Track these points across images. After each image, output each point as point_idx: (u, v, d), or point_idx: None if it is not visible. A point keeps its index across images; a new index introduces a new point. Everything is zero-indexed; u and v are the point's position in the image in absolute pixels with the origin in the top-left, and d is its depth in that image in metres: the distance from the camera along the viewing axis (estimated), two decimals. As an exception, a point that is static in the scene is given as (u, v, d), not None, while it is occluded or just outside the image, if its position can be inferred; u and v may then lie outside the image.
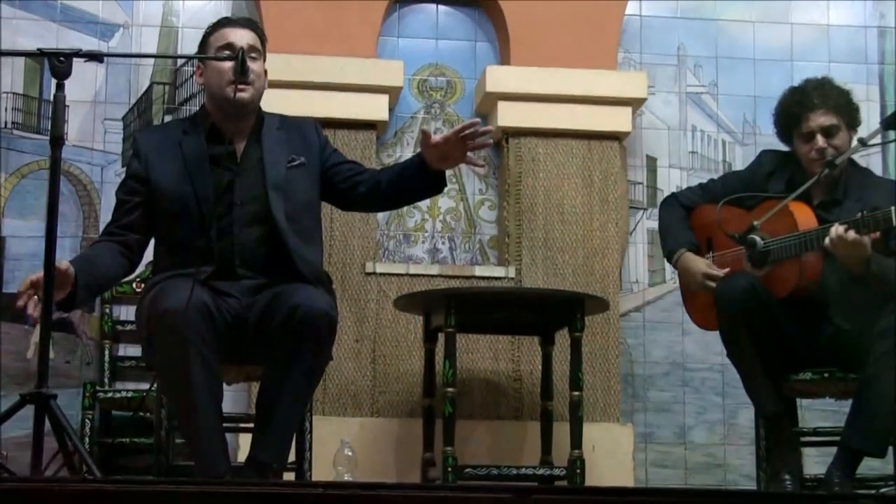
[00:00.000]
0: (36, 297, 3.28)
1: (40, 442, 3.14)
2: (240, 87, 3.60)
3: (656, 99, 5.60)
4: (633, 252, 5.49)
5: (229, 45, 3.69)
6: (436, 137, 3.60)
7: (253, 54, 3.69)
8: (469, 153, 3.65)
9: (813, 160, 4.02)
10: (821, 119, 4.05)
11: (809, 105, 4.07)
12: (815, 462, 4.35)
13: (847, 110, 4.10)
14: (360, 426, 4.96)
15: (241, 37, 3.72)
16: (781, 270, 3.97)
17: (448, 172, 5.32)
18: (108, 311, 5.01)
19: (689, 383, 5.39)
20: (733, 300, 3.90)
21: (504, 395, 5.13)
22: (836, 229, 3.77)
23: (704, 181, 4.45)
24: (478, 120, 3.70)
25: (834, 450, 3.85)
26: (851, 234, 3.73)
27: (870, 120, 5.18)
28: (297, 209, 3.70)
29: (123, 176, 3.85)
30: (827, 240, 3.79)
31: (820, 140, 4.03)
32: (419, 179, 3.72)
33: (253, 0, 5.37)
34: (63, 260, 3.37)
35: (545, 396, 4.81)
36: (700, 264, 4.13)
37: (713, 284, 4.04)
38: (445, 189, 5.37)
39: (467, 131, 3.59)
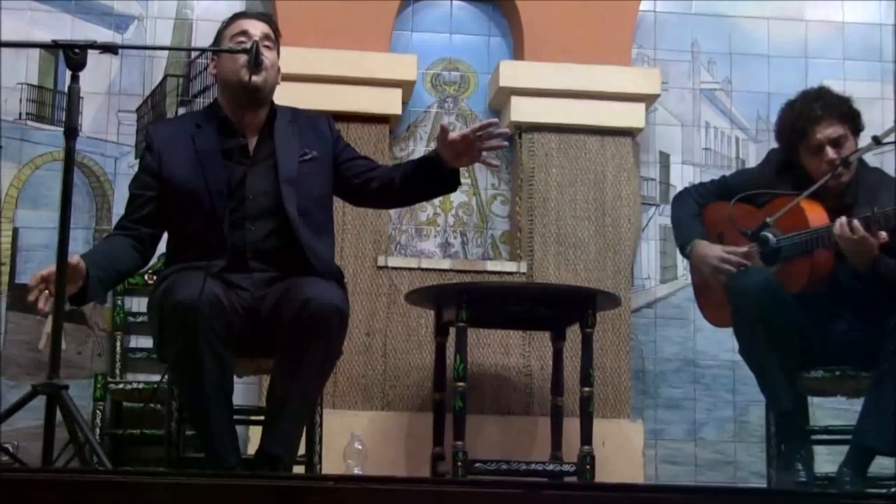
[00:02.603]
0: (47, 291, 3.29)
1: (51, 432, 3.15)
2: (254, 71, 3.61)
3: (670, 95, 5.59)
4: (645, 248, 5.49)
5: (244, 33, 3.70)
6: (453, 134, 3.59)
7: (267, 43, 3.71)
8: (484, 153, 3.64)
9: (825, 173, 3.97)
10: (828, 130, 4.00)
11: (814, 117, 4.00)
12: (827, 460, 4.34)
13: (851, 117, 4.06)
14: (371, 420, 4.96)
15: (256, 27, 3.74)
16: (793, 267, 3.97)
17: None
18: (120, 302, 5.02)
19: (701, 380, 5.39)
20: (749, 296, 3.89)
21: (514, 390, 5.13)
22: (841, 223, 3.75)
23: (716, 178, 4.44)
24: (495, 120, 3.70)
25: (845, 448, 3.84)
26: (857, 225, 3.71)
27: (884, 118, 5.17)
28: (310, 203, 3.70)
29: (136, 169, 3.85)
30: (836, 227, 3.78)
31: (830, 152, 3.98)
32: (433, 176, 3.71)
33: (267, -7, 5.38)
34: (74, 254, 3.38)
35: (556, 392, 4.81)
36: (716, 248, 4.10)
37: (729, 268, 4.02)
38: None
39: (483, 131, 3.58)
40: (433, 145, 5.38)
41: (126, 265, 3.64)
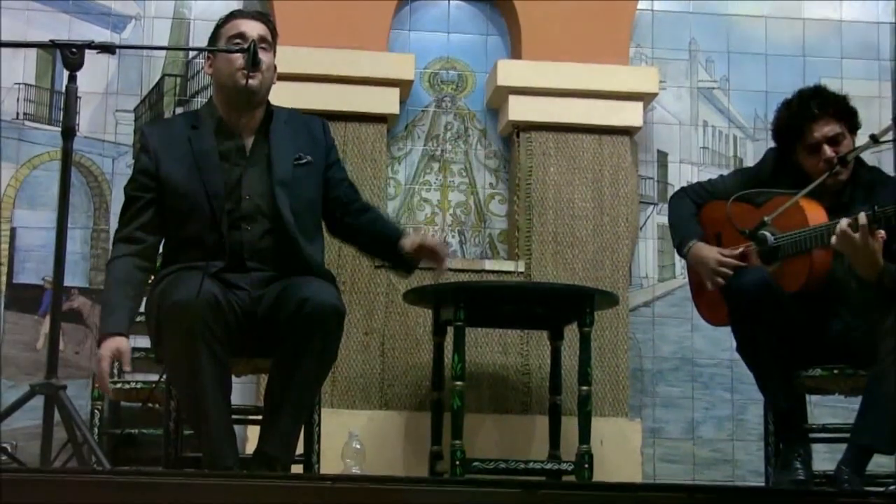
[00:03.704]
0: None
1: (50, 432, 3.15)
2: (251, 74, 3.60)
3: (667, 94, 5.59)
4: (642, 247, 5.49)
5: (241, 35, 3.68)
6: (411, 242, 3.68)
7: (263, 45, 3.69)
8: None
9: (823, 171, 3.96)
10: (825, 129, 3.99)
11: (810, 116, 3.99)
12: (824, 458, 4.34)
13: (847, 116, 4.05)
14: (369, 419, 4.96)
15: (253, 28, 3.72)
16: (791, 266, 3.96)
17: (458, 166, 5.39)
18: (117, 302, 5.01)
19: (698, 379, 5.39)
20: (745, 294, 3.88)
21: (513, 389, 5.13)
22: (843, 224, 3.75)
23: (714, 177, 4.44)
24: (447, 248, 3.70)
25: (843, 446, 3.84)
26: (862, 221, 3.70)
27: (882, 116, 5.17)
28: (301, 207, 3.69)
29: (132, 171, 3.82)
30: (833, 238, 3.77)
31: (827, 150, 3.97)
32: (392, 256, 3.81)
33: (264, -8, 5.38)
34: (121, 341, 3.47)
35: (554, 391, 4.81)
36: (713, 251, 4.10)
37: (726, 271, 4.02)
38: (456, 183, 5.39)
39: (431, 254, 3.69)
40: (431, 145, 5.43)
41: (142, 295, 3.67)
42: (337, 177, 3.84)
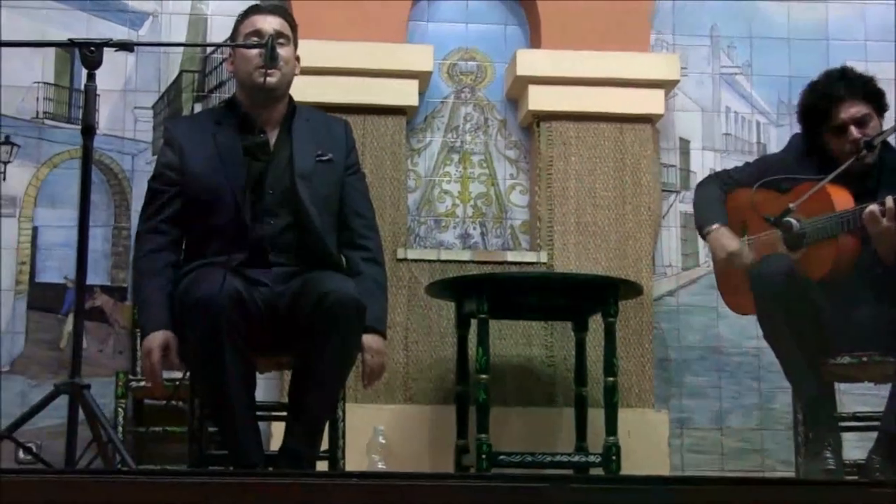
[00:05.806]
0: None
1: (74, 431, 3.15)
2: (268, 71, 3.59)
3: (689, 80, 5.55)
4: (666, 235, 5.45)
5: (257, 32, 3.70)
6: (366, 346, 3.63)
7: (281, 40, 3.69)
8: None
9: (849, 154, 3.93)
10: (851, 110, 3.95)
11: (837, 97, 3.95)
12: (855, 447, 4.30)
13: (874, 97, 4.01)
14: (393, 413, 4.95)
15: (270, 23, 3.73)
16: (818, 252, 3.93)
17: (478, 157, 5.37)
18: (140, 299, 5.01)
19: (725, 368, 5.35)
20: (771, 283, 3.85)
21: (538, 381, 5.10)
22: (873, 208, 3.71)
23: (739, 164, 4.40)
24: (378, 375, 3.69)
25: (874, 435, 3.81)
26: (890, 205, 3.66)
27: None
28: (319, 201, 3.68)
29: (156, 165, 3.82)
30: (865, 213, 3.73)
31: (854, 131, 3.93)
32: None
33: (281, -14, 5.36)
34: (162, 337, 3.50)
35: (579, 382, 4.79)
36: (732, 243, 4.06)
37: (745, 262, 3.99)
38: (476, 174, 5.36)
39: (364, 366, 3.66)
40: (450, 136, 5.40)
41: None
42: (352, 188, 3.82)
